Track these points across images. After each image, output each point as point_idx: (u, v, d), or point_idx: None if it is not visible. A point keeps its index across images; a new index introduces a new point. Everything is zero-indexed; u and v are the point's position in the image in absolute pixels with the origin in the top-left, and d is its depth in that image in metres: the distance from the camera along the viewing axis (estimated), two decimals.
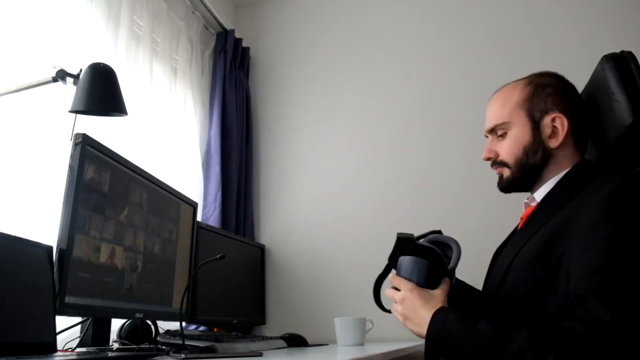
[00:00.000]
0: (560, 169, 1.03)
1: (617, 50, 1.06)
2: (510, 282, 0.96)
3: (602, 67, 1.02)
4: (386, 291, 1.03)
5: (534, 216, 1.01)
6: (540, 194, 1.04)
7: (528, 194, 1.10)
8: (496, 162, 1.09)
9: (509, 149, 1.06)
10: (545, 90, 1.05)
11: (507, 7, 2.22)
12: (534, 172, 1.04)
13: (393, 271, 1.06)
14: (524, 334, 0.79)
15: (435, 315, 0.91)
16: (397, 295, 0.99)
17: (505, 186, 1.08)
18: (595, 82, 1.06)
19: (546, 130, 1.03)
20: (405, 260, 1.00)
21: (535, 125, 1.03)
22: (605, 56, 1.02)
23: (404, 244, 0.98)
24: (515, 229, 1.14)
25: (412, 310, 0.95)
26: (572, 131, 1.03)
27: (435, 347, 0.89)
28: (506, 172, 1.07)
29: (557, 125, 1.02)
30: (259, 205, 2.38)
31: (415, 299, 0.95)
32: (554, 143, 1.02)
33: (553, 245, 0.90)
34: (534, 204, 1.06)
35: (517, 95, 1.07)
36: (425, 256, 0.97)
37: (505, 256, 1.02)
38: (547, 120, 1.03)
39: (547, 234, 0.92)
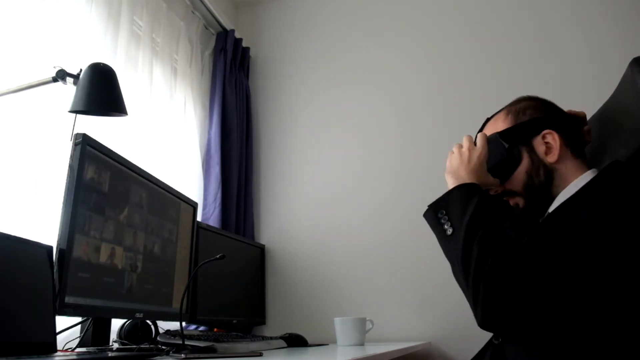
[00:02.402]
0: (566, 182, 1.03)
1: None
2: None
3: (631, 70, 1.00)
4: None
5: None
6: (554, 206, 1.04)
7: None
8: (505, 192, 1.10)
9: (515, 179, 1.06)
10: (526, 113, 1.07)
11: (508, 2, 2.22)
12: (545, 191, 1.04)
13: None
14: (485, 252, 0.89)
15: (463, 189, 1.02)
16: (468, 143, 1.09)
17: (525, 212, 1.09)
18: (624, 84, 1.05)
19: (540, 148, 1.04)
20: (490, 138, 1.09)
21: (529, 148, 1.05)
22: (635, 59, 1.01)
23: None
24: None
25: (459, 163, 1.06)
26: (565, 142, 1.04)
27: (436, 207, 1.03)
28: (520, 202, 1.08)
29: (549, 140, 1.04)
30: (259, 205, 2.38)
31: (469, 159, 1.06)
32: (552, 158, 1.03)
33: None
34: None
35: (502, 128, 1.09)
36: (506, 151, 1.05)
37: None
38: (537, 139, 1.05)
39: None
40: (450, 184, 1.05)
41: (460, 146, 1.10)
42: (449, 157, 1.10)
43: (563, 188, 1.03)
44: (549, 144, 1.03)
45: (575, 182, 1.01)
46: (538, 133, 1.04)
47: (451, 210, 0.99)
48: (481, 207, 0.96)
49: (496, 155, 1.06)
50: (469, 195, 0.99)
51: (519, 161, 1.05)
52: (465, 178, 1.03)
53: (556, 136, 1.03)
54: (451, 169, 1.08)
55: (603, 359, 0.84)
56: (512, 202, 1.09)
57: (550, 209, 1.04)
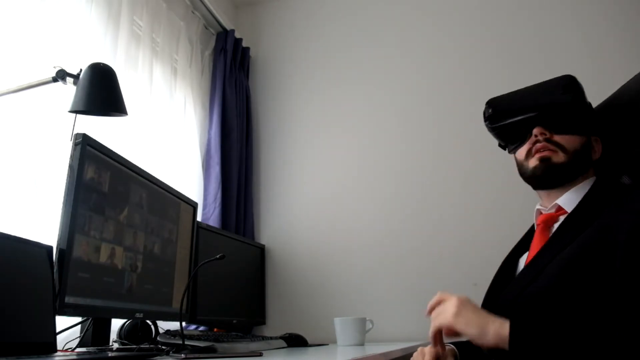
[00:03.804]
0: (584, 180, 1.07)
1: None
2: (543, 286, 0.94)
3: None
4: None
5: (568, 225, 1.01)
6: (565, 201, 1.06)
7: (536, 202, 1.12)
8: (551, 141, 1.07)
9: (570, 138, 1.07)
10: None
11: (508, 2, 2.22)
12: (579, 169, 1.07)
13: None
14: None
15: (514, 325, 0.87)
16: (450, 297, 0.96)
17: (550, 169, 1.06)
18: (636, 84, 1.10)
19: (594, 144, 1.12)
20: None
21: (589, 136, 1.11)
22: None
23: None
24: (531, 234, 1.15)
25: (470, 311, 0.92)
26: (600, 156, 1.12)
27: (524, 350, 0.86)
28: (558, 157, 1.06)
29: (594, 145, 1.11)
30: (259, 205, 2.38)
31: (470, 304, 0.94)
32: (593, 156, 1.11)
33: (593, 253, 0.90)
34: (552, 211, 1.08)
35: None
36: None
37: (537, 262, 1.00)
38: (595, 137, 1.12)
39: (584, 242, 0.93)
40: (479, 326, 0.89)
41: (445, 299, 0.97)
42: (444, 307, 0.95)
43: (579, 183, 1.07)
44: (594, 148, 1.11)
45: (584, 184, 1.07)
46: (597, 135, 1.12)
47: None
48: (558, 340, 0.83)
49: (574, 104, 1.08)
50: (533, 339, 0.85)
51: (583, 130, 1.08)
52: (491, 319, 0.89)
53: (600, 146, 1.12)
54: (464, 315, 0.91)
55: None
56: (545, 153, 1.06)
57: (563, 201, 1.06)
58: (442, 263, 2.02)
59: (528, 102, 1.11)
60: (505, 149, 1.23)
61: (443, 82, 2.23)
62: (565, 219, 1.03)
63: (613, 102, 1.16)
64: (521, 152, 1.12)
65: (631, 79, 1.13)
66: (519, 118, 1.11)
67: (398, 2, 2.40)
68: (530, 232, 1.17)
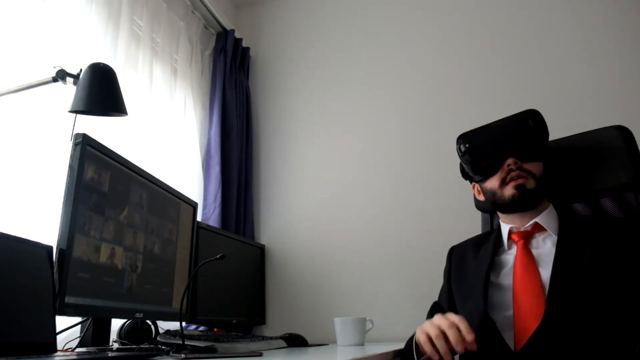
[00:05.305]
0: (547, 203, 1.21)
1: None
2: (577, 306, 1.01)
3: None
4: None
5: (565, 243, 1.10)
6: (544, 220, 1.17)
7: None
8: (522, 169, 1.16)
9: (535, 165, 1.18)
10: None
11: (508, 2, 2.22)
12: (545, 191, 1.19)
13: None
14: None
15: None
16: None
17: (526, 194, 1.16)
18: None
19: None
20: None
21: (545, 164, 1.21)
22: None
23: None
24: (493, 251, 1.23)
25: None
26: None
27: None
28: (530, 183, 1.16)
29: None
30: (259, 205, 2.38)
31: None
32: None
33: (608, 267, 1.03)
34: (529, 229, 1.18)
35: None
36: None
37: (558, 284, 1.05)
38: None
39: (591, 259, 1.04)
40: None
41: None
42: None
43: (547, 206, 1.19)
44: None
45: (549, 210, 1.19)
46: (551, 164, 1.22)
47: None
48: None
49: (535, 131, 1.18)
50: None
51: (543, 157, 1.18)
52: None
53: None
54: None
55: None
56: (521, 181, 1.15)
57: (542, 219, 1.17)
58: (442, 263, 2.01)
59: (500, 135, 1.21)
60: (467, 180, 1.33)
61: (443, 82, 2.23)
62: (560, 241, 1.12)
63: (566, 142, 1.30)
64: (493, 181, 1.20)
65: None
66: (493, 150, 1.20)
67: (398, 2, 2.40)
68: (493, 249, 1.23)
